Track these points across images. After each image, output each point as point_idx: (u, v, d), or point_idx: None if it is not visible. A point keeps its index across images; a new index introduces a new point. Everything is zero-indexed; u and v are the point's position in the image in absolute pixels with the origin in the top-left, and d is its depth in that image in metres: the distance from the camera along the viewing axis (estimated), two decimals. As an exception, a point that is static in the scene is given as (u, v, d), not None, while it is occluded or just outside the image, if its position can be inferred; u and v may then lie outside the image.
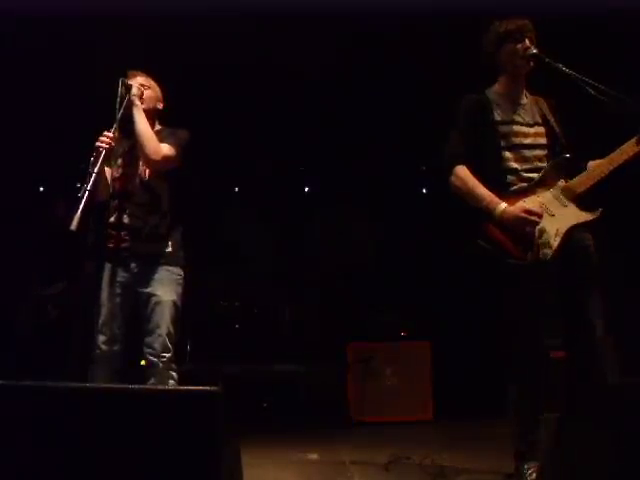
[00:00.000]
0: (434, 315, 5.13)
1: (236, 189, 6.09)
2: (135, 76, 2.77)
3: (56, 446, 1.51)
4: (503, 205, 2.43)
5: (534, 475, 2.39)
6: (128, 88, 2.63)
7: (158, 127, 2.88)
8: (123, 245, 2.65)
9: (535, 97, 2.67)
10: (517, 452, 2.50)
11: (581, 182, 2.47)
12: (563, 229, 2.42)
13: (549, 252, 2.39)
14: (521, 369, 2.50)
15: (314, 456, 3.36)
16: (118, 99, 2.58)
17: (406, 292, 5.29)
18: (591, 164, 2.51)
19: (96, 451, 1.51)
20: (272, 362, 4.84)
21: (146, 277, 2.64)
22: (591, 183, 2.45)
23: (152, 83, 2.86)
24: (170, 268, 2.68)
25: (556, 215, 2.44)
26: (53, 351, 4.06)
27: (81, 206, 2.26)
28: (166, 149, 2.66)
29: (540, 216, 2.41)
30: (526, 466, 2.44)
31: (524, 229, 2.40)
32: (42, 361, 3.95)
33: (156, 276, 2.64)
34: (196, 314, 5.10)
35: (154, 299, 2.62)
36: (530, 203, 2.45)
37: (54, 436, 1.52)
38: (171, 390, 2.00)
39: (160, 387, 2.42)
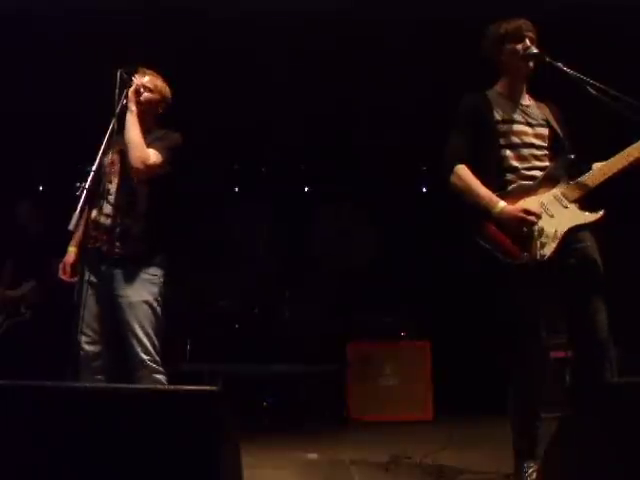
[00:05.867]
0: (434, 315, 5.13)
1: (236, 189, 6.09)
2: (143, 74, 2.72)
3: (55, 446, 1.51)
4: (502, 204, 2.43)
5: (534, 475, 2.39)
6: (127, 84, 2.59)
7: (160, 132, 2.78)
8: (96, 245, 2.61)
9: (538, 102, 2.67)
10: (516, 451, 2.50)
11: (583, 184, 2.45)
12: (562, 230, 2.41)
13: (546, 253, 2.38)
14: (518, 368, 2.50)
15: (314, 456, 3.36)
16: (117, 91, 2.54)
17: (406, 292, 5.29)
18: (596, 166, 2.50)
19: (96, 451, 1.51)
20: (272, 362, 4.84)
21: (116, 278, 2.60)
22: (593, 185, 2.44)
23: (159, 85, 2.79)
24: (142, 268, 2.63)
25: (555, 216, 2.44)
26: (34, 351, 4.05)
27: (79, 205, 2.25)
28: (152, 156, 2.59)
29: (538, 216, 2.41)
30: (526, 465, 2.44)
31: (522, 228, 2.40)
32: (24, 362, 3.92)
33: (126, 277, 2.60)
34: (196, 314, 5.10)
35: (125, 300, 2.58)
36: (530, 203, 2.44)
37: (54, 436, 1.52)
38: (171, 390, 2.00)
39: (160, 387, 2.42)
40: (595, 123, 3.12)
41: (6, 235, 4.47)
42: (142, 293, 2.61)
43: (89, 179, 2.28)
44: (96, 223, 2.60)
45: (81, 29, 3.93)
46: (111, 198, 2.64)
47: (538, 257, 2.38)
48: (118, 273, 2.61)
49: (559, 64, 2.44)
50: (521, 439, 2.48)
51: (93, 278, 2.59)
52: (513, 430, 2.52)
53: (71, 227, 2.24)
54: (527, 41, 2.50)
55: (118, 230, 2.62)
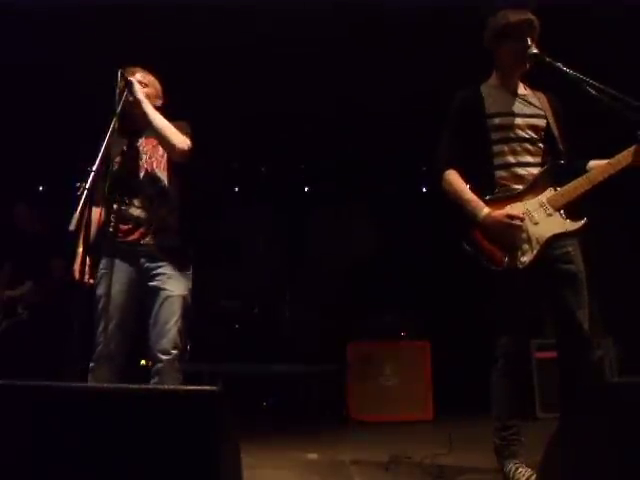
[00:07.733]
0: (434, 315, 5.13)
1: (236, 189, 6.09)
2: (134, 73, 2.72)
3: (55, 446, 1.51)
4: (487, 210, 2.45)
5: (517, 476, 2.39)
6: (128, 84, 2.59)
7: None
8: (131, 238, 2.60)
9: (535, 91, 2.66)
10: (495, 447, 2.54)
11: (569, 192, 2.45)
12: (543, 238, 2.43)
13: (526, 260, 2.41)
14: (499, 365, 2.54)
15: (314, 456, 3.36)
16: (117, 91, 2.52)
17: (406, 292, 5.29)
18: (591, 165, 2.50)
19: (96, 451, 1.51)
20: (272, 362, 4.84)
21: (156, 271, 2.58)
22: (579, 194, 2.44)
23: (151, 79, 2.81)
24: (179, 261, 2.64)
25: (539, 223, 2.45)
26: (32, 351, 4.05)
27: (80, 205, 2.24)
28: (188, 139, 2.65)
29: (522, 221, 2.43)
30: (506, 464, 2.46)
31: (505, 234, 2.42)
32: (22, 362, 3.93)
33: (166, 270, 2.59)
34: (196, 314, 5.10)
35: (164, 293, 2.56)
36: (515, 209, 2.46)
37: (54, 436, 1.52)
38: (171, 390, 2.00)
39: (160, 387, 2.41)
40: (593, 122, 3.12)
41: (5, 235, 4.49)
42: (181, 287, 2.60)
43: (89, 179, 2.27)
44: (126, 217, 2.60)
45: (82, 29, 3.93)
46: (141, 191, 2.64)
47: (518, 264, 2.41)
48: (156, 266, 2.59)
49: (558, 64, 2.42)
50: (498, 434, 2.52)
51: (125, 273, 2.57)
52: (493, 425, 2.55)
53: (71, 228, 2.23)
54: (528, 41, 2.45)
55: (155, 222, 2.62)
